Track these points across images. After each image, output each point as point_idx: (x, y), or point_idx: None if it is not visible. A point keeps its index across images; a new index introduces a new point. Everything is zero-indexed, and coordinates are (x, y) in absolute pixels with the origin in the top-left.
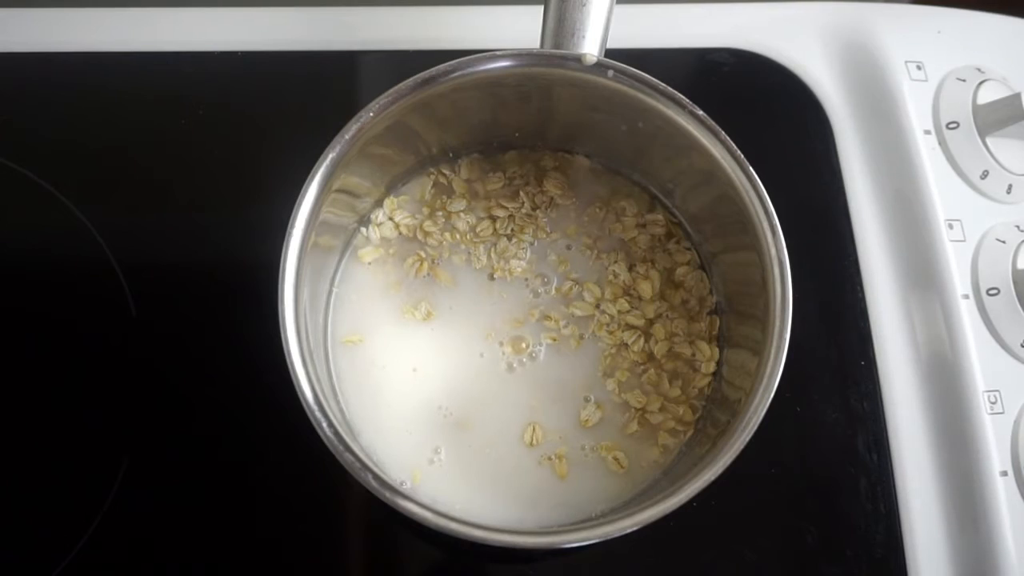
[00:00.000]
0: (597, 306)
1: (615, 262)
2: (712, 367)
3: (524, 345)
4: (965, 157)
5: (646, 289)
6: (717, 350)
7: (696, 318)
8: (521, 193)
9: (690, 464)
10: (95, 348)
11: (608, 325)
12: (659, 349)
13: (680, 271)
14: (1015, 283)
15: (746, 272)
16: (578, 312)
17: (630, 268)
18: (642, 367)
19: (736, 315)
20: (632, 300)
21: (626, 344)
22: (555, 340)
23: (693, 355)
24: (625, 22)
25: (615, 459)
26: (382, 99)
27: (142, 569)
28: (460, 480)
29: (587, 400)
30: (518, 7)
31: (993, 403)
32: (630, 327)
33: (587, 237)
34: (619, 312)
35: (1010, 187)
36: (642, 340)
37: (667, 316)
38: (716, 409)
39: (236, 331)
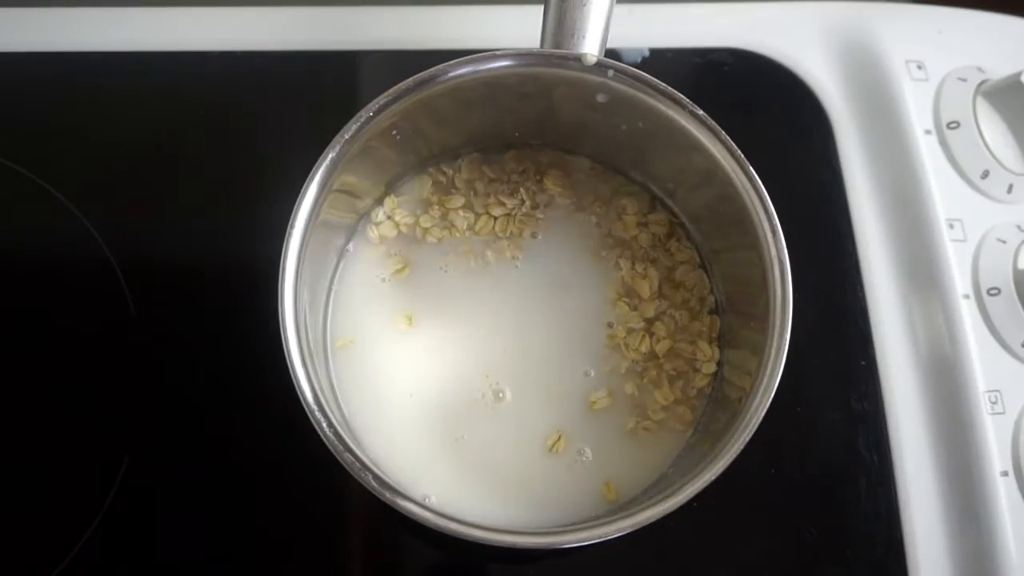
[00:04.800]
0: (598, 305)
1: (615, 261)
2: (712, 367)
3: (524, 345)
4: (966, 156)
5: (644, 288)
6: (718, 350)
7: (697, 317)
8: (521, 190)
9: (690, 464)
10: (95, 348)
11: (609, 324)
12: (661, 348)
13: (680, 270)
14: (1016, 283)
15: (746, 272)
16: (578, 311)
17: (631, 267)
18: (643, 366)
19: (736, 315)
20: (632, 299)
21: (627, 343)
22: (556, 339)
23: (694, 355)
24: (625, 22)
25: (615, 458)
26: (382, 99)
27: (142, 569)
28: (461, 481)
29: (587, 399)
30: (518, 7)
31: (994, 403)
32: (631, 326)
33: (587, 236)
34: (619, 311)
35: (1011, 187)
36: (643, 339)
37: (669, 315)
38: (716, 409)
39: (236, 331)
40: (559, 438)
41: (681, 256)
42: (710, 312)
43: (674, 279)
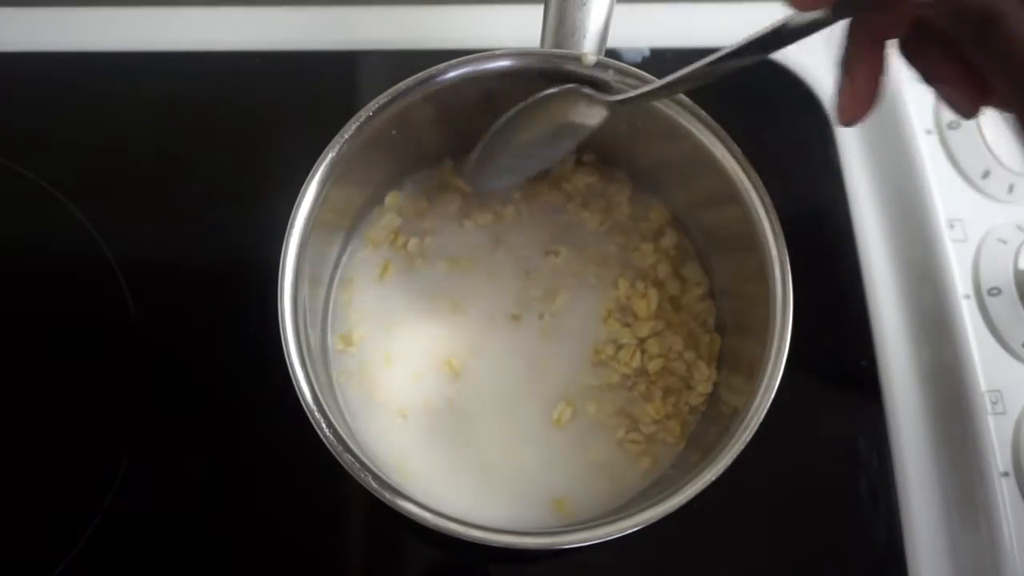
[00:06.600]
0: (595, 317)
1: (615, 281)
2: (709, 387)
3: (523, 346)
4: (966, 156)
5: (642, 307)
6: (715, 371)
7: (695, 334)
8: (517, 195)
9: (683, 472)
10: (94, 348)
11: (604, 340)
12: (653, 366)
13: (681, 285)
14: (1016, 283)
15: (748, 287)
16: (576, 320)
17: (629, 285)
18: (632, 381)
19: (735, 331)
20: (626, 317)
21: (620, 358)
22: (554, 343)
23: (689, 372)
24: (625, 22)
25: (609, 464)
26: (382, 99)
27: (142, 569)
28: (460, 481)
29: (580, 407)
30: (518, 7)
31: (994, 403)
32: (621, 344)
33: (587, 245)
34: (610, 328)
35: (1011, 187)
36: (636, 354)
37: (664, 334)
38: (709, 424)
39: (236, 331)
40: (559, 441)
41: (681, 264)
42: (709, 332)
43: (673, 295)
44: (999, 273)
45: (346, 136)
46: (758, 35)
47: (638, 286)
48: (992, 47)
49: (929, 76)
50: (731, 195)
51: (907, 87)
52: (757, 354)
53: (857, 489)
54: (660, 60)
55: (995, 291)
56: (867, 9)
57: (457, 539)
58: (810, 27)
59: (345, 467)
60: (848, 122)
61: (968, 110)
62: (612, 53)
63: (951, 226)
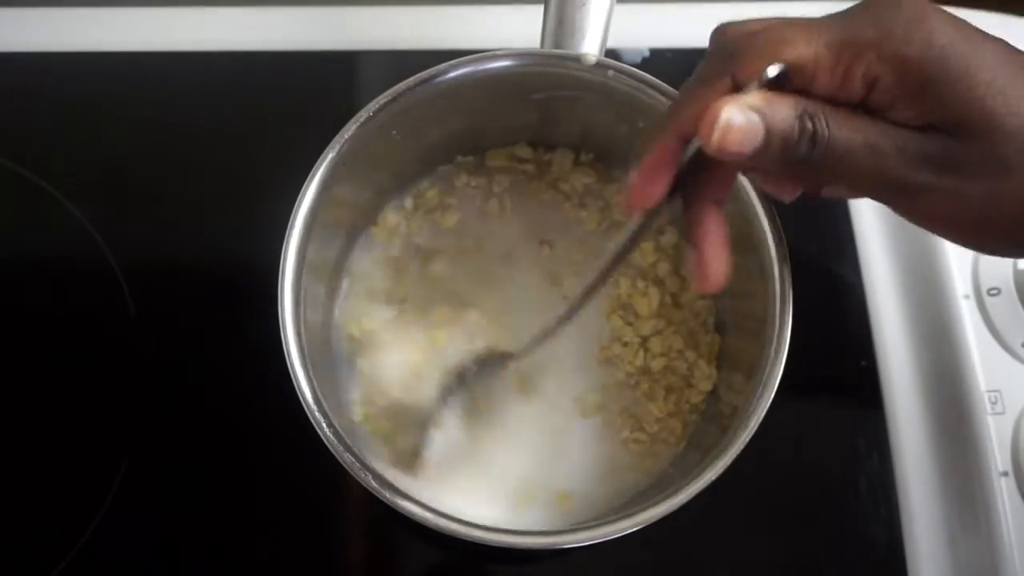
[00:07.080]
0: (598, 315)
1: (620, 274)
2: (709, 386)
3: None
4: None
5: (643, 306)
6: (715, 370)
7: (695, 333)
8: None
9: (684, 472)
10: (94, 348)
11: (609, 338)
12: (656, 364)
13: (681, 283)
14: (1016, 283)
15: (747, 286)
16: (578, 320)
17: (631, 284)
18: (636, 379)
19: (735, 330)
20: (629, 314)
21: (623, 357)
22: (554, 346)
23: (690, 371)
24: (625, 22)
25: (612, 463)
26: (382, 99)
27: (141, 569)
28: (460, 482)
29: (583, 408)
30: (518, 7)
31: (994, 403)
32: (626, 342)
33: (586, 242)
34: (614, 325)
35: None
36: (640, 352)
37: (665, 332)
38: (709, 424)
39: (236, 331)
40: (559, 444)
41: (685, 271)
42: (709, 332)
43: (674, 294)
44: (999, 273)
45: (346, 136)
46: (631, 233)
47: (639, 284)
48: (827, 170)
49: (747, 170)
50: (731, 194)
51: None
52: (757, 354)
53: (857, 489)
54: (660, 60)
55: (995, 291)
56: (693, 175)
57: (457, 539)
58: (659, 212)
59: (345, 467)
60: (714, 291)
61: (788, 199)
62: (612, 53)
63: None
